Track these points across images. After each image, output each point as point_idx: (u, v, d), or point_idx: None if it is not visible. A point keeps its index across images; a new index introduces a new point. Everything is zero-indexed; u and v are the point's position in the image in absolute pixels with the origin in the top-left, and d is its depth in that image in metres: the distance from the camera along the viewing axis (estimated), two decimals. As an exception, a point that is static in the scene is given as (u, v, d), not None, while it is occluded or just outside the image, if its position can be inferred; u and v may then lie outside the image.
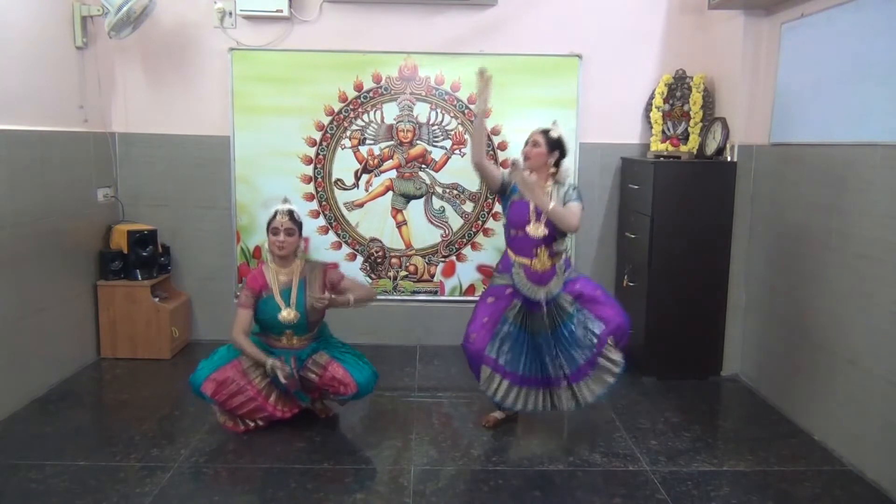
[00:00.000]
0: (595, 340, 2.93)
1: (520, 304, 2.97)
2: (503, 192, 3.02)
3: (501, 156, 4.10)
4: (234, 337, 2.97)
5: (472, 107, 4.07)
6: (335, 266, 3.26)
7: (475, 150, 2.98)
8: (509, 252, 3.03)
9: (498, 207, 4.16)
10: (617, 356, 2.96)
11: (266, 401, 3.00)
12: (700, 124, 3.91)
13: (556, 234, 2.92)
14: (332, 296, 2.99)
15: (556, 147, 2.96)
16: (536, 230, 2.90)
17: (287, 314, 2.96)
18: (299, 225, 3.03)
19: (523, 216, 2.93)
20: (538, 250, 2.92)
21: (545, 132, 2.98)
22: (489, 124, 4.08)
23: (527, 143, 3.01)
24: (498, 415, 3.16)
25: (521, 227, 2.94)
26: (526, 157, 3.00)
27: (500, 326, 2.98)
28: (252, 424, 3.04)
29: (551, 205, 2.84)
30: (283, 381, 2.89)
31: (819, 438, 3.04)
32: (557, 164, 2.98)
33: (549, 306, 2.94)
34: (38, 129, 3.38)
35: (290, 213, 3.00)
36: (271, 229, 2.99)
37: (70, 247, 3.66)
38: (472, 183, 4.14)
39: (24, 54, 3.29)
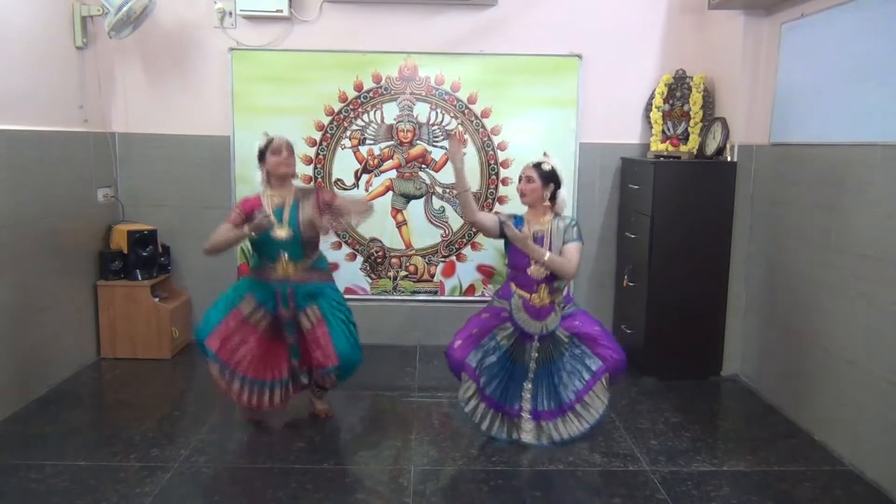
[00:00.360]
0: (588, 377, 2.94)
1: (512, 328, 2.98)
2: (502, 235, 3.00)
3: (501, 156, 4.10)
4: (209, 240, 2.95)
5: (472, 107, 4.08)
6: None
7: (465, 211, 3.00)
8: (511, 283, 3.03)
9: (499, 208, 4.16)
10: (604, 397, 2.95)
11: (269, 342, 3.01)
12: (700, 124, 3.91)
13: (555, 275, 2.93)
14: (332, 221, 2.99)
15: (551, 179, 2.95)
16: (538, 272, 2.92)
17: (280, 231, 2.94)
18: (291, 148, 3.05)
19: (523, 259, 2.94)
20: (539, 287, 2.93)
21: (537, 166, 2.97)
22: (489, 125, 4.08)
23: (520, 179, 3.01)
24: None
25: (522, 269, 2.95)
26: (522, 194, 3.00)
27: (488, 341, 2.99)
28: (245, 397, 3.00)
29: (546, 256, 2.86)
30: (264, 224, 2.88)
31: (819, 438, 3.04)
32: (553, 197, 2.97)
33: (544, 342, 2.97)
34: (38, 129, 3.38)
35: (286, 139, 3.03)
36: (272, 150, 2.97)
37: (70, 247, 3.66)
38: (472, 183, 4.14)
39: (24, 54, 3.29)
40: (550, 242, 2.93)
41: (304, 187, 3.13)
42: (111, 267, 3.87)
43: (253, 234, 2.91)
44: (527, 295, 2.95)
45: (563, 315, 2.99)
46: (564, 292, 3.02)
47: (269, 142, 2.99)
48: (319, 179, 4.13)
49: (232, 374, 2.98)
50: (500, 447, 2.95)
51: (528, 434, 2.97)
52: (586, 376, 2.94)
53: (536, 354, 2.97)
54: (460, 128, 2.84)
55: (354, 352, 3.02)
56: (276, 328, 3.04)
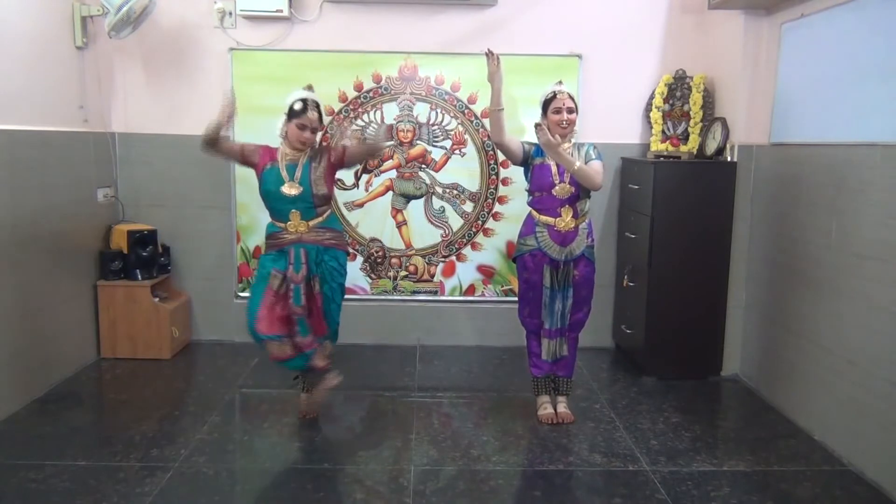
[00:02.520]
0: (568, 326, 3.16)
1: (547, 266, 3.05)
2: (524, 161, 3.08)
3: (501, 156, 4.08)
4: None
5: (472, 107, 4.08)
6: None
7: (494, 131, 3.02)
8: (533, 213, 3.09)
9: (499, 208, 4.17)
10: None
11: (288, 300, 2.99)
12: (700, 124, 3.91)
13: (580, 192, 3.01)
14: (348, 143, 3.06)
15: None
16: (563, 191, 2.99)
17: (290, 188, 2.95)
18: (322, 119, 3.02)
19: (547, 178, 3.01)
20: (562, 209, 3.00)
21: (571, 96, 3.03)
22: (489, 124, 4.07)
23: (558, 111, 3.00)
24: (550, 409, 3.19)
25: (547, 189, 3.01)
26: (564, 125, 2.99)
27: (544, 298, 3.08)
28: (288, 352, 2.99)
29: (577, 164, 2.90)
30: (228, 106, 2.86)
31: (819, 438, 3.04)
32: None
33: (567, 265, 3.04)
34: (38, 129, 3.38)
35: (318, 108, 2.98)
36: (299, 124, 2.93)
37: (70, 247, 3.66)
38: (472, 183, 4.15)
39: (24, 54, 3.29)
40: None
41: (315, 147, 3.10)
42: (111, 267, 3.87)
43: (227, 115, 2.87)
44: (551, 220, 3.01)
45: (583, 250, 3.06)
46: (587, 220, 3.09)
47: (302, 110, 2.91)
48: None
49: (277, 339, 2.95)
50: (501, 447, 2.95)
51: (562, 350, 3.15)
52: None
53: (562, 277, 3.05)
54: (490, 48, 2.92)
55: (336, 330, 3.17)
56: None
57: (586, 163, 2.99)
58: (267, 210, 3.06)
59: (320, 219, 3.02)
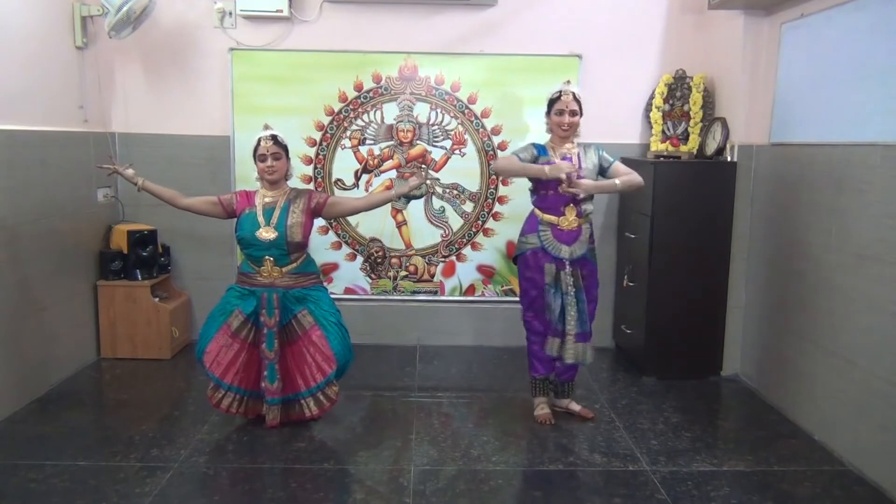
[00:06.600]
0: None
1: (550, 265, 3.03)
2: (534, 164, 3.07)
3: (501, 156, 4.10)
4: (186, 200, 3.07)
5: (472, 107, 4.07)
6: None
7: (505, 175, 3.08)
8: (536, 212, 3.08)
9: (498, 208, 4.16)
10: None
11: (254, 350, 2.99)
12: (700, 124, 3.91)
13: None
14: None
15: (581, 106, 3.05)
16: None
17: (265, 232, 2.94)
18: (285, 148, 3.02)
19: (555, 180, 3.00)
20: (566, 208, 3.00)
21: (577, 98, 3.01)
22: (489, 125, 4.08)
23: (560, 113, 2.99)
24: (547, 409, 3.18)
25: (554, 188, 3.00)
26: (566, 128, 3.00)
27: (548, 298, 3.05)
28: (234, 409, 3.03)
29: (616, 182, 3.01)
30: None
31: (819, 438, 3.04)
32: None
33: (574, 266, 3.03)
34: (38, 129, 3.38)
35: (274, 138, 2.99)
36: (258, 156, 2.99)
37: (70, 247, 3.66)
38: (472, 183, 4.15)
39: (24, 54, 3.29)
40: (580, 163, 3.02)
41: (299, 189, 3.12)
42: (111, 267, 3.87)
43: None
44: (555, 219, 3.01)
45: (585, 252, 3.07)
46: (589, 221, 3.09)
47: (257, 144, 2.99)
48: (319, 179, 4.14)
49: (226, 388, 2.99)
50: (501, 447, 2.96)
51: (577, 355, 3.06)
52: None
53: (571, 279, 3.03)
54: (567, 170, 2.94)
55: (348, 353, 3.07)
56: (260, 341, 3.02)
57: (608, 166, 3.06)
58: (242, 253, 3.07)
59: (294, 265, 3.02)
